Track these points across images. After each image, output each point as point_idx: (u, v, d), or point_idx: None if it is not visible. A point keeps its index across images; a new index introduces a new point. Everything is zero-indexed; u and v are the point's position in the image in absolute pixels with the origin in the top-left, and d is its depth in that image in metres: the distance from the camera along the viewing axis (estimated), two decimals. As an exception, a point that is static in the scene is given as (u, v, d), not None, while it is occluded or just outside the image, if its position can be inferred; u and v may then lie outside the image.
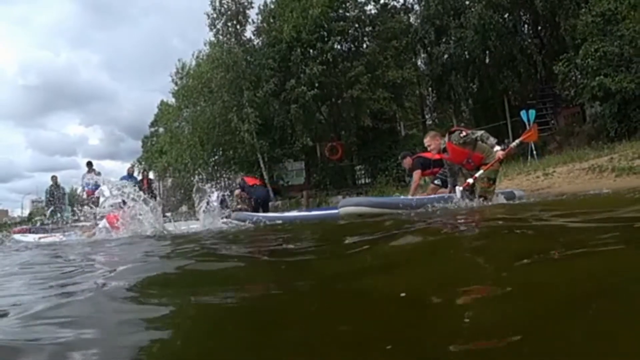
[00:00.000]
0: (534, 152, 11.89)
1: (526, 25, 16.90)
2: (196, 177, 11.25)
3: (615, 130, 10.87)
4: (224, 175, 18.62)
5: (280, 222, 6.19)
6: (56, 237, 7.57)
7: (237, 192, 9.31)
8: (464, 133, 4.95)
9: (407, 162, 6.41)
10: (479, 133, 5.01)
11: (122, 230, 6.41)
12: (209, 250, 2.96)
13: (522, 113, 12.81)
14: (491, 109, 17.55)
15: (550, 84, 15.55)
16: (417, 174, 6.05)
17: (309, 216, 6.94)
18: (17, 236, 8.48)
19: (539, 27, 16.66)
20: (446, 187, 5.87)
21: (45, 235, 8.22)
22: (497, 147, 4.83)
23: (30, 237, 8.05)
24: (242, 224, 6.61)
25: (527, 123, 12.42)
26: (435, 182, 6.05)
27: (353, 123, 17.99)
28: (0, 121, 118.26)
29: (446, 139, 5.06)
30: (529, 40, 15.58)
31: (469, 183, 5.16)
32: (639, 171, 7.33)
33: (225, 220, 6.90)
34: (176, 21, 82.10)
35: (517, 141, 5.96)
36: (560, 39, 14.49)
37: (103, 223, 6.79)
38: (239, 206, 8.81)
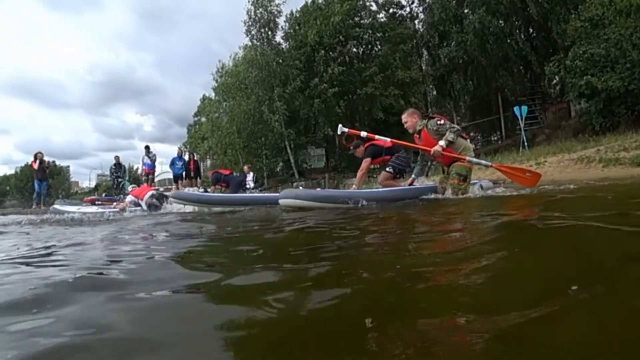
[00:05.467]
0: (525, 143, 11.45)
1: (518, 30, 16.10)
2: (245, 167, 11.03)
3: (600, 125, 10.33)
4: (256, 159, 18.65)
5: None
6: (94, 209, 7.38)
7: (211, 188, 8.71)
8: (441, 121, 4.10)
9: (359, 151, 5.32)
10: (454, 126, 4.13)
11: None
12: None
13: (515, 109, 12.22)
14: (486, 104, 16.97)
15: (540, 83, 14.89)
16: (366, 162, 5.12)
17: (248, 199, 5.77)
18: (57, 206, 8.13)
19: (531, 31, 15.86)
20: (399, 175, 5.10)
21: (84, 207, 8.02)
22: (442, 142, 3.92)
23: (71, 207, 7.76)
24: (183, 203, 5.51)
25: (519, 118, 11.91)
26: (388, 169, 5.11)
27: (367, 116, 17.68)
28: (74, 110, 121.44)
29: (424, 122, 4.24)
30: (523, 43, 14.85)
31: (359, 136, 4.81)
32: (624, 162, 6.92)
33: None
34: (216, 28, 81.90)
35: (484, 162, 4.40)
36: (552, 42, 13.77)
37: (130, 198, 6.86)
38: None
